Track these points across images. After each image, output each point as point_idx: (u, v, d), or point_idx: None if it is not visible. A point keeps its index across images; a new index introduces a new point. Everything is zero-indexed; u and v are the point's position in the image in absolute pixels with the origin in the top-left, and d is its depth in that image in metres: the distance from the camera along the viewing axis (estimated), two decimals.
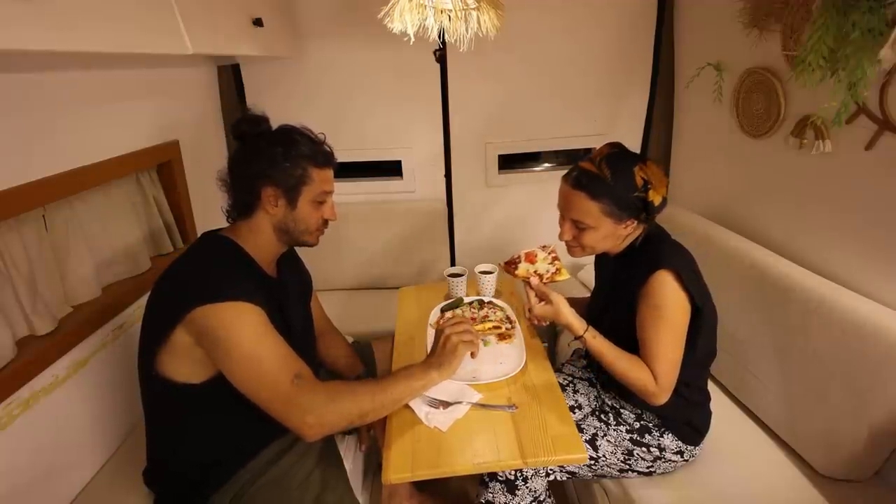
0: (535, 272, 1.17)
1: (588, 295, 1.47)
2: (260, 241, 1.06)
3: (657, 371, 1.03)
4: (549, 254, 1.20)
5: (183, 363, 0.94)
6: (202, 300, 0.88)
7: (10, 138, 1.03)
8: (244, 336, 0.89)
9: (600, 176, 1.02)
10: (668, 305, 1.01)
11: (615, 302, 1.11)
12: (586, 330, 1.08)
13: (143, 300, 1.08)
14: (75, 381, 1.16)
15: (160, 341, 0.92)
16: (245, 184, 1.03)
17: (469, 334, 1.08)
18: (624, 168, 1.02)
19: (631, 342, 1.07)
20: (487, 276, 1.49)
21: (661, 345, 1.02)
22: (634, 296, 1.05)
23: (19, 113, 1.05)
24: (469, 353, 1.11)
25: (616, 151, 1.06)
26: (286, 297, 1.14)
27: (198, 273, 0.96)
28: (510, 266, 1.22)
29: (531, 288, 1.14)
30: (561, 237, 1.12)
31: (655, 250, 1.07)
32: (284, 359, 0.92)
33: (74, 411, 1.17)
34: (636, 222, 1.07)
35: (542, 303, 1.12)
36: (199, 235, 1.10)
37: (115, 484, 1.18)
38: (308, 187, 1.04)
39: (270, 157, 1.01)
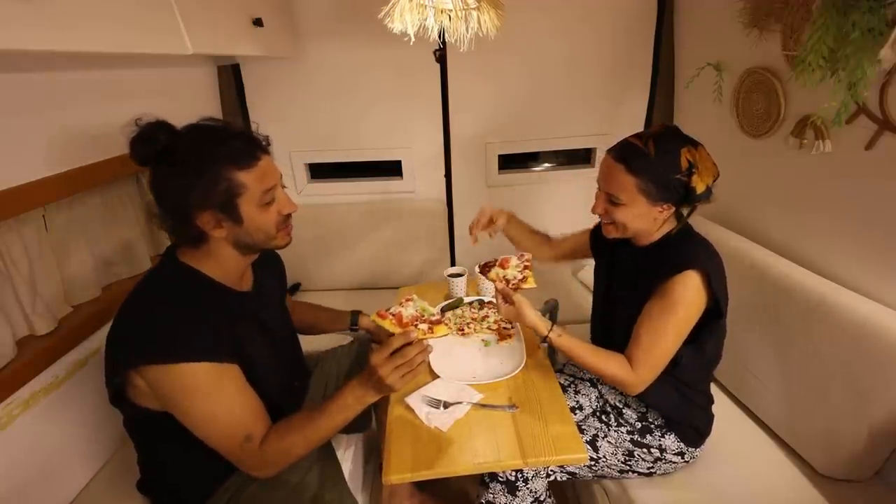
0: (503, 277, 1.20)
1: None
2: (222, 261, 0.95)
3: (641, 362, 1.02)
4: (523, 262, 1.24)
5: (149, 398, 0.90)
6: (152, 358, 0.83)
7: (10, 138, 1.03)
8: (196, 402, 0.86)
9: (644, 151, 0.99)
10: (684, 305, 0.99)
11: (635, 296, 1.08)
12: (550, 329, 1.09)
13: None
14: (75, 382, 1.16)
15: (118, 377, 0.88)
16: (176, 216, 0.88)
17: (407, 367, 0.89)
18: (670, 148, 0.99)
19: None
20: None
21: (659, 339, 1.01)
22: (653, 290, 1.03)
23: (19, 113, 1.05)
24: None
25: (667, 131, 1.02)
26: (265, 306, 1.08)
27: (149, 321, 0.86)
28: (485, 268, 1.25)
29: (497, 291, 1.17)
30: (593, 210, 1.11)
31: (687, 248, 1.04)
32: (237, 420, 0.89)
33: (74, 412, 1.17)
34: (673, 208, 1.03)
35: (507, 304, 1.14)
36: (161, 253, 1.01)
37: (113, 485, 1.18)
38: (244, 196, 0.88)
39: (184, 180, 0.84)
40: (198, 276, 0.94)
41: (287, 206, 0.97)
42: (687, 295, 0.99)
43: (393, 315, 1.01)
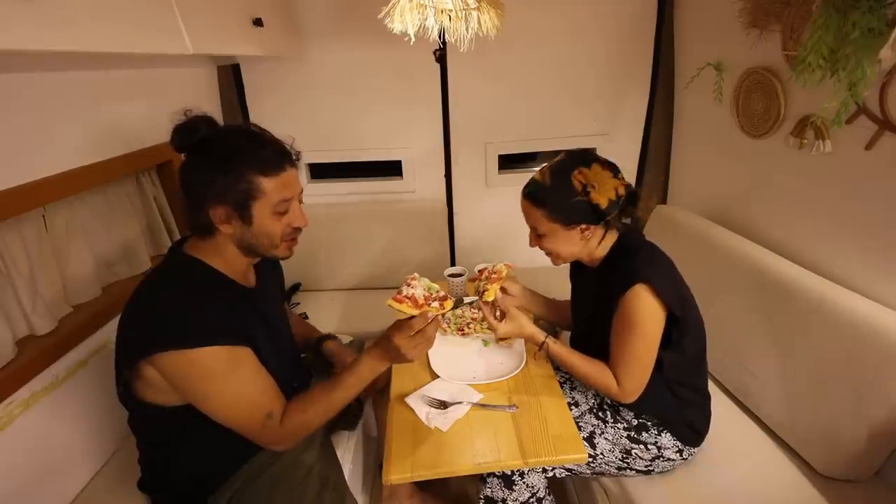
0: (476, 287, 1.24)
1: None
2: (227, 257, 0.98)
3: (621, 377, 1.06)
4: (492, 272, 1.24)
5: (157, 391, 0.91)
6: (166, 345, 0.84)
7: (10, 138, 1.03)
8: (213, 386, 0.88)
9: (542, 183, 1.06)
10: (641, 321, 1.02)
11: (601, 314, 1.10)
12: (547, 336, 1.15)
13: None
14: (75, 382, 1.16)
15: (129, 370, 0.89)
16: (192, 203, 0.92)
17: (426, 343, 0.96)
18: (562, 175, 1.04)
19: None
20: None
21: (628, 355, 1.04)
22: (613, 309, 1.05)
23: (19, 113, 1.05)
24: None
25: (565, 158, 1.07)
26: (268, 304, 1.10)
27: (161, 309, 0.88)
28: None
29: (490, 307, 1.19)
30: (530, 244, 1.16)
31: (630, 261, 1.05)
32: (257, 400, 0.92)
33: (74, 412, 1.17)
34: (595, 227, 1.07)
35: (505, 321, 1.17)
36: (169, 247, 1.04)
37: (114, 485, 1.18)
38: (260, 201, 0.91)
39: (209, 172, 0.88)
40: (205, 268, 0.97)
41: (299, 220, 0.99)
42: (642, 309, 1.01)
43: (408, 298, 1.06)
